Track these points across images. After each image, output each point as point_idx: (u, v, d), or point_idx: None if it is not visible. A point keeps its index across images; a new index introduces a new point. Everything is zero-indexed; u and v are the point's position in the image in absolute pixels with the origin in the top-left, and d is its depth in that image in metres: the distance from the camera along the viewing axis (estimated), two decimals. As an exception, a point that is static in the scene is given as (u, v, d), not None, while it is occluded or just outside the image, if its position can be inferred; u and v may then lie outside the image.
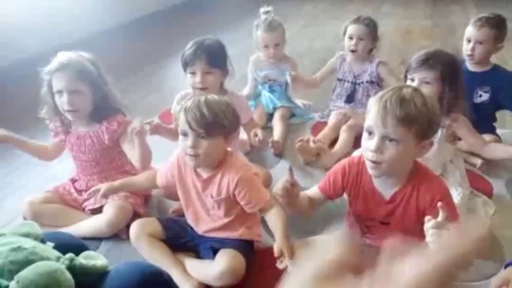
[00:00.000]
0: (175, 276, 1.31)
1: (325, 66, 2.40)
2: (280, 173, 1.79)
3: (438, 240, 0.92)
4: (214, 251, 1.33)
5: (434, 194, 1.13)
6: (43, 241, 1.06)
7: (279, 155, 2.07)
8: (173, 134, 1.63)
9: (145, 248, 1.38)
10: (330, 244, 0.36)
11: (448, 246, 0.34)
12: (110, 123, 1.60)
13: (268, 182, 1.75)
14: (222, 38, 1.82)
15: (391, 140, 1.07)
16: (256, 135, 1.74)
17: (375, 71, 2.20)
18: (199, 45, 1.69)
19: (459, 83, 1.57)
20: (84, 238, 1.43)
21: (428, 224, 0.96)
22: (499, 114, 2.05)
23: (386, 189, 1.20)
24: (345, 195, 1.30)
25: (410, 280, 0.31)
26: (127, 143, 1.58)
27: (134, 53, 3.87)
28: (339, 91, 2.33)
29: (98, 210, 1.60)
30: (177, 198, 1.46)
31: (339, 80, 2.32)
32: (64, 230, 1.49)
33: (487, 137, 1.85)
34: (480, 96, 1.95)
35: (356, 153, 1.42)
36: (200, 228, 1.40)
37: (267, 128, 2.27)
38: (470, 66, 1.97)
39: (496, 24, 1.90)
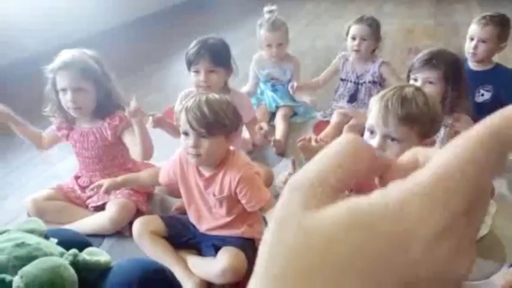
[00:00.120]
0: (178, 273, 1.31)
1: (327, 68, 2.39)
2: (282, 172, 1.79)
3: None
4: (216, 249, 1.34)
5: None
6: (47, 237, 1.07)
7: (281, 153, 2.07)
8: (175, 130, 1.63)
9: (147, 245, 1.39)
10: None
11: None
12: (112, 119, 1.61)
13: (270, 181, 1.75)
14: (222, 37, 1.82)
15: (392, 139, 1.07)
16: (261, 128, 1.74)
17: (378, 71, 2.20)
18: (202, 44, 1.70)
19: (462, 82, 1.57)
20: (87, 235, 1.44)
21: None
22: (501, 113, 2.05)
23: None
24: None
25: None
26: (127, 135, 1.60)
27: (135, 52, 3.86)
28: (342, 91, 2.32)
29: (101, 208, 1.61)
30: (179, 196, 1.47)
31: (341, 80, 2.32)
32: (67, 226, 1.50)
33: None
34: (482, 95, 1.94)
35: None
36: (202, 226, 1.41)
37: (270, 126, 2.27)
38: (472, 65, 1.97)
39: (500, 22, 1.89)
